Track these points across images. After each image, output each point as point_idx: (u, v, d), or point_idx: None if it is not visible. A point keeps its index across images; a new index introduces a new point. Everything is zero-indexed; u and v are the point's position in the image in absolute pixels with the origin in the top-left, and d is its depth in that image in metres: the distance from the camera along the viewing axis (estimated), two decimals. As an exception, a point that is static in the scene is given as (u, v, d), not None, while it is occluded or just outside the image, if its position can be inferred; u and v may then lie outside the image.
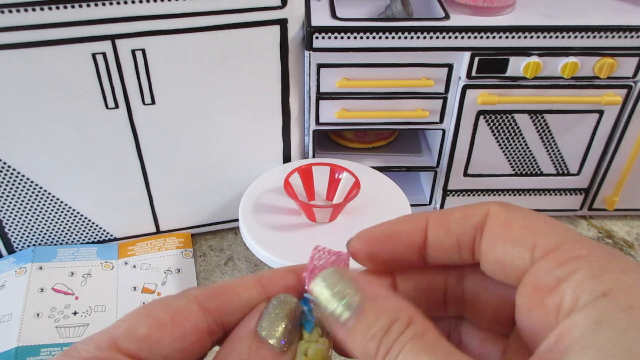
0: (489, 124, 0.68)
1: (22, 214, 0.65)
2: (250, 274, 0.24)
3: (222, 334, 0.22)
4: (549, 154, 0.71)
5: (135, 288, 0.66)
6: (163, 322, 0.20)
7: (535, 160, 0.72)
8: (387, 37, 0.61)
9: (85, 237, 0.70)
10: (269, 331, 0.21)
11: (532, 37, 0.61)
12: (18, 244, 0.68)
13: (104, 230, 0.70)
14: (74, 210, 0.67)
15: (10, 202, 0.64)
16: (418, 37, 0.61)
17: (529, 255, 0.20)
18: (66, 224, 0.68)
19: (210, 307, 0.22)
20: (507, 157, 0.72)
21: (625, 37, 0.62)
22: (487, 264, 0.22)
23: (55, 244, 0.69)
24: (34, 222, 0.66)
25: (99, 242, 0.71)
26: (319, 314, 0.22)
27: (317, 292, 0.22)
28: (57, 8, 0.52)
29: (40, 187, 0.64)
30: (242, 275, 0.69)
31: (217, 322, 0.22)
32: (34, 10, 0.52)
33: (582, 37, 0.62)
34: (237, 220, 0.66)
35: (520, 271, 0.20)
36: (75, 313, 0.62)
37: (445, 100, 0.67)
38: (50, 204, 0.65)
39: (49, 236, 0.68)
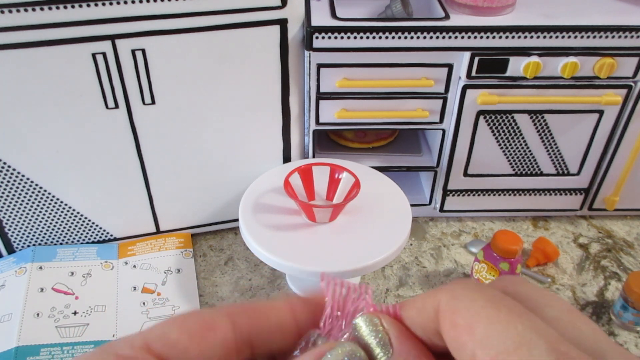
0: (489, 124, 0.68)
1: (22, 214, 0.65)
2: (283, 298, 0.23)
3: (249, 353, 0.22)
4: (549, 154, 0.71)
5: (135, 288, 0.66)
6: (193, 332, 0.20)
7: (535, 160, 0.72)
8: (387, 37, 0.61)
9: (85, 237, 0.70)
10: None
11: (532, 37, 0.61)
12: (18, 244, 0.68)
13: (104, 230, 0.70)
14: (74, 210, 0.67)
15: (10, 202, 0.64)
16: (418, 37, 0.61)
17: None
18: (66, 224, 0.68)
19: (240, 323, 0.21)
20: (507, 157, 0.72)
21: (625, 37, 0.62)
22: None
23: (55, 244, 0.69)
24: (34, 222, 0.66)
25: (99, 242, 0.71)
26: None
27: (359, 330, 0.22)
28: (57, 8, 0.52)
29: (40, 187, 0.64)
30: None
31: (244, 340, 0.22)
32: (34, 10, 0.52)
33: (582, 37, 0.62)
34: (237, 220, 0.66)
35: None
36: (75, 313, 0.62)
37: (445, 100, 0.67)
38: (50, 204, 0.65)
39: (49, 236, 0.68)
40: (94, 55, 0.56)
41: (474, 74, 0.64)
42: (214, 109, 0.64)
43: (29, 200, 0.64)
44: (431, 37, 0.61)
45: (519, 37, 0.61)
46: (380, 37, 0.61)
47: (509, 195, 0.76)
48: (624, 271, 0.72)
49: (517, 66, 0.63)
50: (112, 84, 0.58)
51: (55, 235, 0.69)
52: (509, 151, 0.71)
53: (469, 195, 0.76)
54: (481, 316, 0.18)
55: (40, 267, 0.65)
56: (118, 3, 0.54)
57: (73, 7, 0.52)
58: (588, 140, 0.70)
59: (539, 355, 0.16)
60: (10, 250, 0.68)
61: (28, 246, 0.68)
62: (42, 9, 0.52)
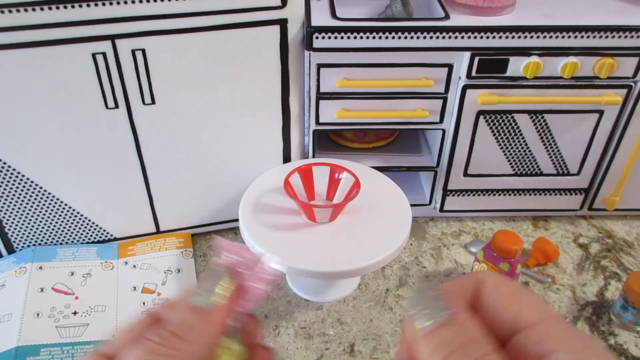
0: (489, 124, 0.68)
1: (22, 214, 0.65)
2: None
3: None
4: (549, 154, 0.71)
5: (135, 288, 0.66)
6: (125, 330, 0.26)
7: (535, 160, 0.72)
8: (387, 37, 0.61)
9: (85, 237, 0.70)
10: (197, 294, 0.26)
11: (532, 37, 0.61)
12: (18, 244, 0.68)
13: (104, 230, 0.70)
14: (74, 210, 0.67)
15: (10, 202, 0.64)
16: (418, 37, 0.61)
17: (512, 322, 0.23)
18: (66, 224, 0.68)
19: (155, 316, 0.27)
20: (507, 157, 0.72)
21: (625, 37, 0.62)
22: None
23: (55, 244, 0.69)
24: (34, 222, 0.66)
25: (99, 242, 0.71)
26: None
27: (413, 296, 0.23)
28: (57, 8, 0.52)
29: (40, 187, 0.64)
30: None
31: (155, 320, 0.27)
32: (34, 10, 0.52)
33: (582, 37, 0.62)
34: (237, 220, 0.66)
35: (507, 332, 0.23)
36: (75, 313, 0.62)
37: (445, 100, 0.67)
38: (50, 204, 0.65)
39: (49, 236, 0.68)
40: (94, 55, 0.56)
41: (474, 74, 0.64)
42: (214, 109, 0.64)
43: (29, 200, 0.64)
44: (431, 37, 0.61)
45: (519, 37, 0.61)
46: (380, 37, 0.61)
47: (509, 195, 0.76)
48: (624, 271, 0.72)
49: (517, 66, 0.63)
50: (112, 84, 0.58)
51: (55, 235, 0.69)
52: (509, 151, 0.71)
53: (469, 195, 0.76)
54: (523, 291, 0.24)
55: (40, 267, 0.65)
56: (118, 3, 0.54)
57: (73, 7, 0.52)
58: (588, 140, 0.70)
59: (566, 324, 0.22)
60: (10, 250, 0.68)
61: (28, 246, 0.68)
62: (42, 9, 0.52)
